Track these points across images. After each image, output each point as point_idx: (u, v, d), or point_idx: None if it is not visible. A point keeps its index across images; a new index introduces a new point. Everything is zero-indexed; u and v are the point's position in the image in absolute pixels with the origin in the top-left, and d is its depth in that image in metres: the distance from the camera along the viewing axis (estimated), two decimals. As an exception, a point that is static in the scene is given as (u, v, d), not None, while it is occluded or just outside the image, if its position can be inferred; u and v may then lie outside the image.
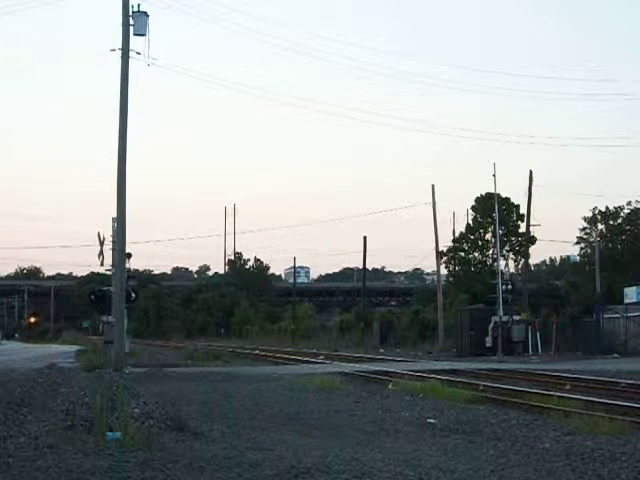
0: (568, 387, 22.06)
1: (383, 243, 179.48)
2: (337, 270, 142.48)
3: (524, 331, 44.34)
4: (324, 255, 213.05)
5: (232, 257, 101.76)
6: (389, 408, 16.94)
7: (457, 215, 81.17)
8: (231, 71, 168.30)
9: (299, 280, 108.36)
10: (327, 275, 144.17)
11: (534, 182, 51.40)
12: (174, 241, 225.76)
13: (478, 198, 64.96)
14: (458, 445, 12.07)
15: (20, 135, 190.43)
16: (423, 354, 47.05)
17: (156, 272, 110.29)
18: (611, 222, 63.19)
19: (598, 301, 47.27)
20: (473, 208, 66.29)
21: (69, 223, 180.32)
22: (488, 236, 64.69)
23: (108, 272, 32.41)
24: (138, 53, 27.99)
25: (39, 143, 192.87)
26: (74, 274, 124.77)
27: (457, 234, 68.09)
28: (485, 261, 65.53)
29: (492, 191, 52.10)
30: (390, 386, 22.19)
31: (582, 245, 64.50)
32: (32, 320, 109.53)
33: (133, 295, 31.82)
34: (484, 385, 22.11)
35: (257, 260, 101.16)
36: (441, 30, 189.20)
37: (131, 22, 27.68)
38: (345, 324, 71.78)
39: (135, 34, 27.75)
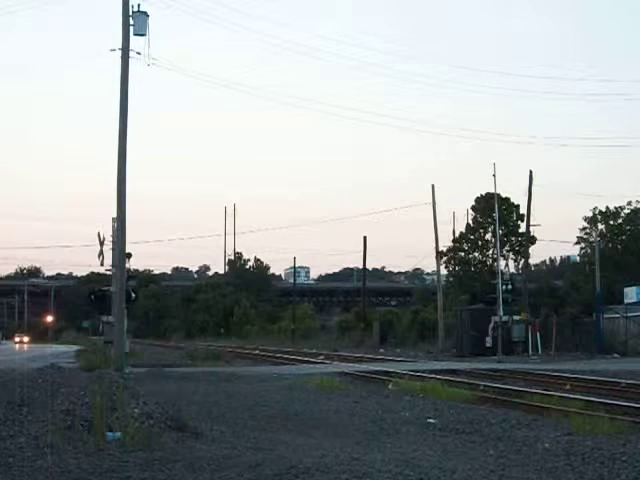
0: (568, 387, 22.06)
1: (383, 243, 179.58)
2: (337, 270, 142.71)
3: (524, 331, 44.34)
4: (324, 255, 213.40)
5: (232, 257, 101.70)
6: (389, 408, 16.92)
7: (457, 215, 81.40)
8: (231, 71, 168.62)
9: (299, 280, 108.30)
10: (327, 275, 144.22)
11: (534, 182, 51.30)
12: (174, 241, 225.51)
13: (478, 198, 65.01)
14: (458, 445, 12.06)
15: (20, 135, 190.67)
16: (423, 354, 47.01)
17: (156, 272, 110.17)
18: (611, 222, 63.22)
19: (598, 301, 47.22)
20: (473, 208, 66.34)
21: (69, 223, 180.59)
22: (488, 236, 64.74)
23: (108, 272, 32.41)
24: (138, 53, 28.01)
25: (39, 143, 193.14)
26: (74, 274, 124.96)
27: (457, 234, 68.15)
28: (485, 261, 65.57)
29: (492, 191, 52.12)
30: (390, 386, 22.18)
31: (582, 245, 64.56)
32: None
33: (133, 295, 31.78)
34: (484, 385, 22.10)
35: (257, 260, 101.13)
36: (441, 30, 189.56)
37: (131, 22, 27.69)
38: (345, 324, 71.84)
39: (135, 34, 27.76)
